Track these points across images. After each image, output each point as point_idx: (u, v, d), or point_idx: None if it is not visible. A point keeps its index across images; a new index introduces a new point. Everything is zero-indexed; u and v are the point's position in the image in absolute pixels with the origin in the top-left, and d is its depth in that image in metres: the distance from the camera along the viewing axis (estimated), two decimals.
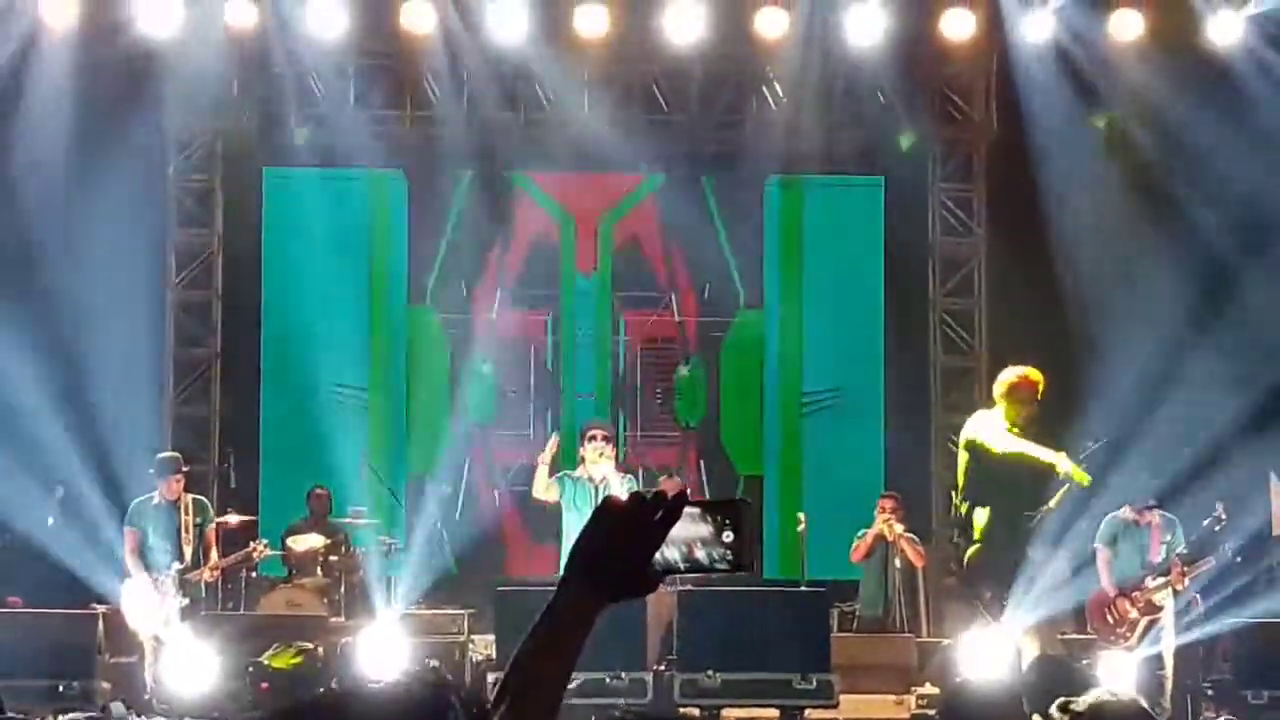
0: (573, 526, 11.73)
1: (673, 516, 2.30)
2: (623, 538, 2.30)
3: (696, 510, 2.33)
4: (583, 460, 12.10)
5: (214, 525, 12.61)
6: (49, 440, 13.88)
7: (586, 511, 11.28)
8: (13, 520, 13.22)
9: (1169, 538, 11.99)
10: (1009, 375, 10.95)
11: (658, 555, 2.31)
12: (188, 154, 15.92)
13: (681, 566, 2.33)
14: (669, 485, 13.20)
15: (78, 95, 14.54)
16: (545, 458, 12.07)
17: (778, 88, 15.83)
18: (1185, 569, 11.82)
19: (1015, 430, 10.63)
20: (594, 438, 12.08)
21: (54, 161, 14.51)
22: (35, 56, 14.50)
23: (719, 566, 2.34)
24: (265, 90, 15.54)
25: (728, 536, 2.33)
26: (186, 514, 12.31)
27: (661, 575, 2.33)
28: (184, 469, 12.57)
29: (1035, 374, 10.89)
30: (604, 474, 11.99)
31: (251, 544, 12.87)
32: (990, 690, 4.20)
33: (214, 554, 12.39)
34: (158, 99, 14.83)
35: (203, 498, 12.87)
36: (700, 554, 2.33)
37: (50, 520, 12.93)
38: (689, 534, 2.31)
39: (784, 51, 15.28)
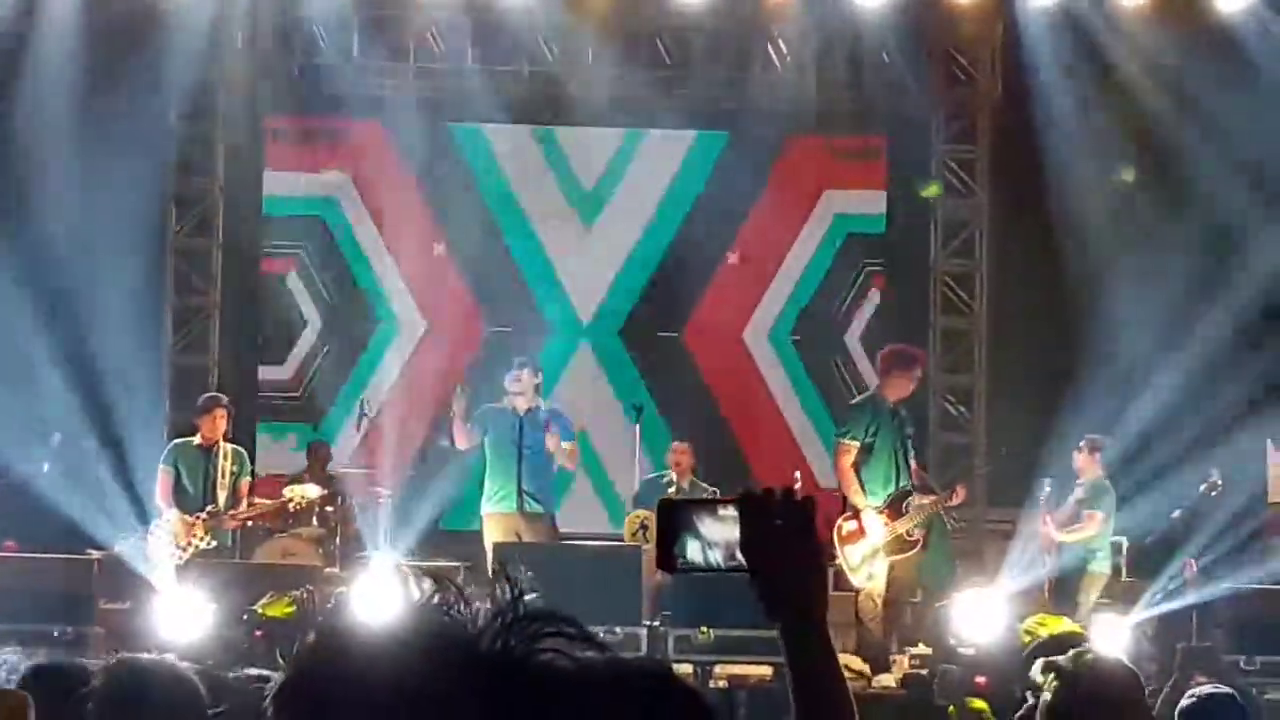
0: (493, 458, 12.12)
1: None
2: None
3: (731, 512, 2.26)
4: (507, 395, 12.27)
5: (249, 479, 12.64)
6: (46, 386, 13.87)
7: (509, 442, 11.75)
8: (8, 466, 13.21)
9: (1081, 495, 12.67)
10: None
11: (688, 556, 2.19)
12: (189, 102, 15.82)
13: (722, 567, 2.24)
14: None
15: (80, 43, 14.49)
16: (458, 409, 12.13)
17: (783, 46, 15.77)
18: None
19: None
20: (518, 379, 12.17)
21: (56, 109, 14.46)
22: (38, 4, 14.46)
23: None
24: (268, 40, 15.45)
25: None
26: (225, 460, 12.35)
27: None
28: (224, 407, 12.54)
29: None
30: (527, 405, 12.15)
31: (284, 491, 12.91)
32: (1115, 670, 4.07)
33: (244, 506, 12.44)
34: (160, 47, 14.75)
35: (242, 450, 12.82)
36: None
37: (45, 466, 12.90)
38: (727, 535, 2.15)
39: (789, 10, 15.21)
